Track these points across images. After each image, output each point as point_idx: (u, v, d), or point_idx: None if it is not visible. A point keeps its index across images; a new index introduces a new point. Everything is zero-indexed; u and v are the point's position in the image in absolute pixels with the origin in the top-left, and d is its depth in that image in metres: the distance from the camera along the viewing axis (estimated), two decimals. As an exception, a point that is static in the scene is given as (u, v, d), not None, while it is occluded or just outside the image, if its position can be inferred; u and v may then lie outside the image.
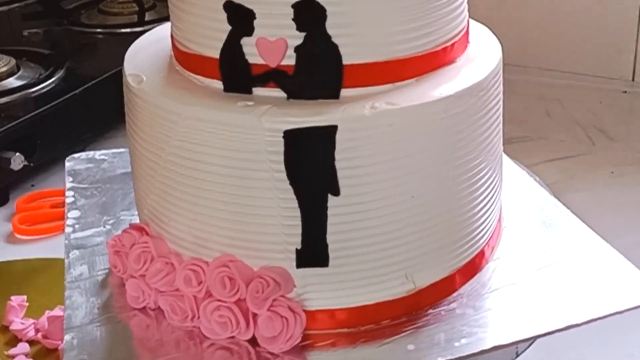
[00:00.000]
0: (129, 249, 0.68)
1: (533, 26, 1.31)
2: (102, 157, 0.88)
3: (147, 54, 0.72)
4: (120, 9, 1.39)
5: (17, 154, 1.02)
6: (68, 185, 0.83)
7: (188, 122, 0.63)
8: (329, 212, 0.62)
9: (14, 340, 0.88)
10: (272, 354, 0.63)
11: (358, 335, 0.65)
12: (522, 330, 0.65)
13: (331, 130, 0.61)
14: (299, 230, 0.62)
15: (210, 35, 0.64)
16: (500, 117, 0.72)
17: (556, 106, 1.22)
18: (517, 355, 0.71)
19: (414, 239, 0.65)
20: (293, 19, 0.61)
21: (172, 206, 0.67)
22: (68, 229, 0.78)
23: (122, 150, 0.86)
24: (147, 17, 1.36)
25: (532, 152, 1.10)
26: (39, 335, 0.88)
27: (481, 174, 0.68)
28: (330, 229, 0.62)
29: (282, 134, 0.61)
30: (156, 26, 0.78)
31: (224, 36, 0.63)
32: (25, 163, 1.03)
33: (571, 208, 0.86)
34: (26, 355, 0.87)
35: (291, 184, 0.62)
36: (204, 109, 0.63)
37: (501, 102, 0.72)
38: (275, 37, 0.62)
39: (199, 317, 0.65)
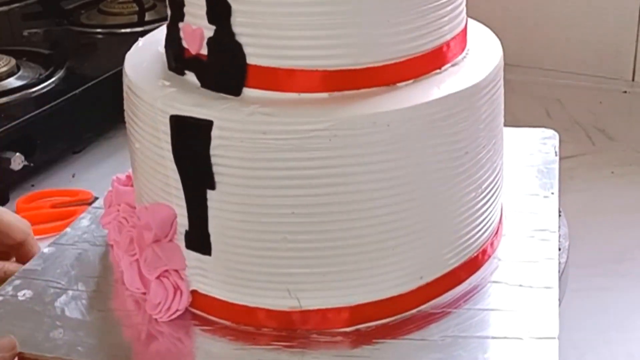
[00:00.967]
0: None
1: (533, 26, 1.31)
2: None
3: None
4: (120, 9, 1.38)
5: (17, 154, 1.02)
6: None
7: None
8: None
9: (15, 340, 0.88)
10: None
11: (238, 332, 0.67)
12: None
13: (206, 124, 0.62)
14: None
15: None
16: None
17: (556, 106, 1.22)
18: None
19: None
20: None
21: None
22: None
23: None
24: (147, 17, 1.35)
25: (532, 152, 1.10)
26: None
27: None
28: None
29: (168, 118, 0.63)
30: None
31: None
32: (25, 163, 1.03)
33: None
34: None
35: (178, 169, 0.64)
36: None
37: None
38: (196, 26, 0.64)
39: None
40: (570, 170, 1.01)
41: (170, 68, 0.68)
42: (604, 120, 1.18)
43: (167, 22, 0.69)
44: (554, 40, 1.30)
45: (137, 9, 1.36)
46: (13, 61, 1.15)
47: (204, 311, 0.68)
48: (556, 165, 0.85)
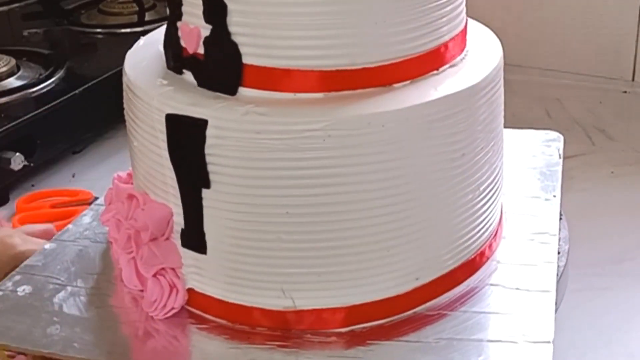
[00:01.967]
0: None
1: (533, 26, 1.31)
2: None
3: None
4: (120, 9, 1.38)
5: (17, 154, 1.02)
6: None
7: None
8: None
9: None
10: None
11: (233, 331, 0.67)
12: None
13: (201, 123, 0.62)
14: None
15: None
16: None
17: (556, 106, 1.22)
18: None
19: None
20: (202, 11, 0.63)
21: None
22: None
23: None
24: (147, 17, 1.36)
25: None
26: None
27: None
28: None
29: (164, 116, 0.63)
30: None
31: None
32: (25, 163, 1.03)
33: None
34: (25, 355, 0.87)
35: (173, 168, 0.64)
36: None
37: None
38: (193, 25, 0.64)
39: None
40: (570, 171, 1.01)
41: (169, 67, 0.69)
42: (604, 120, 1.17)
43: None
44: (554, 40, 1.30)
45: (137, 9, 1.36)
46: (13, 61, 1.15)
47: (199, 309, 0.68)
48: (559, 168, 0.85)
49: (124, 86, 0.70)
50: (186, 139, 0.63)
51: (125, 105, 0.71)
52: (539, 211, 0.78)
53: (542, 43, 1.31)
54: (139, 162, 0.69)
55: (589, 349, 0.77)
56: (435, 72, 0.67)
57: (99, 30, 1.35)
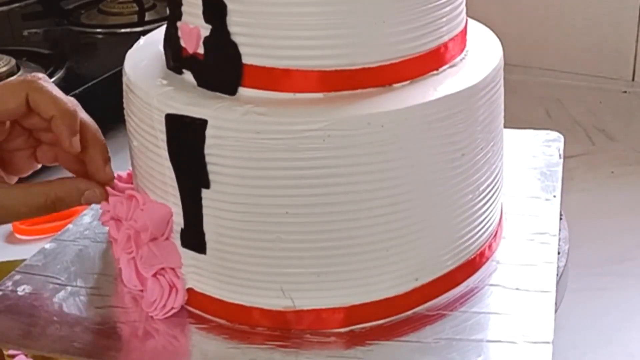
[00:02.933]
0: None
1: (533, 26, 1.31)
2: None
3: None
4: (120, 9, 1.39)
5: (17, 154, 1.02)
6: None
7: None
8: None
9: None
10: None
11: (233, 330, 0.67)
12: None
13: (200, 123, 0.62)
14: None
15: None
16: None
17: (556, 106, 1.22)
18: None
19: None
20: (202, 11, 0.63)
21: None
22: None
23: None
24: (147, 17, 1.36)
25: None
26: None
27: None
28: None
29: (164, 116, 0.63)
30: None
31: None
32: (25, 163, 1.03)
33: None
34: (26, 355, 0.87)
35: (173, 168, 0.64)
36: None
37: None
38: (193, 25, 0.64)
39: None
40: (570, 171, 1.01)
41: (169, 67, 0.69)
42: (604, 120, 1.18)
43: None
44: (554, 40, 1.30)
45: (137, 9, 1.37)
46: (13, 61, 1.15)
47: (199, 309, 0.68)
48: (559, 168, 0.85)
49: (124, 86, 0.70)
50: (186, 139, 0.63)
51: (125, 105, 0.71)
52: (539, 211, 0.78)
53: (542, 43, 1.31)
54: (138, 162, 0.69)
55: (589, 349, 0.77)
56: (435, 72, 0.67)
57: (99, 30, 1.35)
